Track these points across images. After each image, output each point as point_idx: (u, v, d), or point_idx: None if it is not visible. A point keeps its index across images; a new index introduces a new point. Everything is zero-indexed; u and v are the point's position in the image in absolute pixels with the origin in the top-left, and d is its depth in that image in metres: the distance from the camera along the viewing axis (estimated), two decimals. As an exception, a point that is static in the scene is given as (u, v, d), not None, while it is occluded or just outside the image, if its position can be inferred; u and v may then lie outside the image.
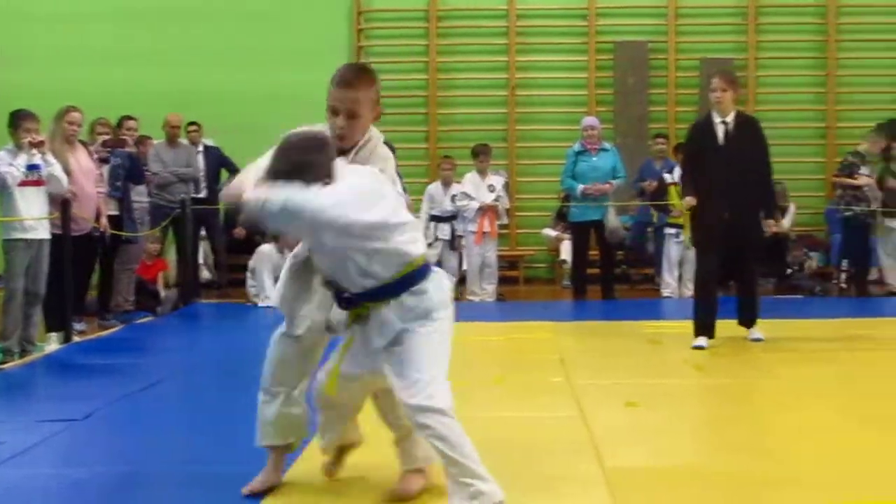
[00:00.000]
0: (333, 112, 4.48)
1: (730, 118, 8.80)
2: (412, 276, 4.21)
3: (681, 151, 11.34)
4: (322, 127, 4.56)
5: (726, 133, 8.78)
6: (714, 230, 8.75)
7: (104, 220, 10.49)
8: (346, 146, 4.45)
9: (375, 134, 4.61)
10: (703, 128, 8.96)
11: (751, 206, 8.82)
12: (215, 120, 14.66)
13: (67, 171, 9.59)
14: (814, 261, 14.42)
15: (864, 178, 13.58)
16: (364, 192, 4.15)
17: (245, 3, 16.23)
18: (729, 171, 8.66)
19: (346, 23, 16.36)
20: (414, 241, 4.25)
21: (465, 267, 13.64)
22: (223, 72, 15.85)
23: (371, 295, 4.20)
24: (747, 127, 8.94)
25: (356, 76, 4.56)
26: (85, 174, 10.10)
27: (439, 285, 4.30)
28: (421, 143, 16.08)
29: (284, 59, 15.93)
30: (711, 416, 6.29)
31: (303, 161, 4.13)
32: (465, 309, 12.21)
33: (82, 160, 10.11)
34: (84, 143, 10.41)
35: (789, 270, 14.11)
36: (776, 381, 7.19)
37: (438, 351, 4.25)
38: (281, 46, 15.97)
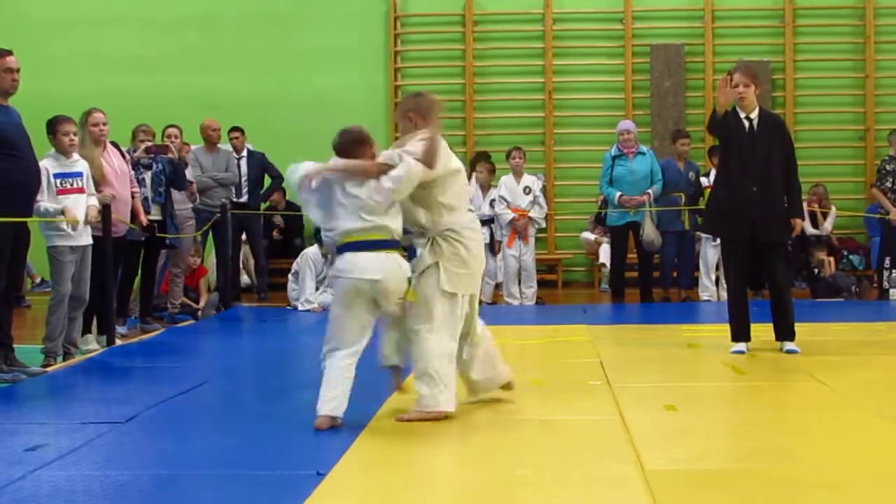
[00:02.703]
0: None
1: (754, 115, 8.60)
2: None
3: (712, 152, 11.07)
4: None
5: (752, 129, 8.58)
6: (742, 233, 8.55)
7: (143, 218, 10.50)
8: None
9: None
10: (733, 119, 8.63)
11: (777, 206, 8.59)
12: (256, 125, 14.75)
13: (101, 174, 9.63)
14: (832, 263, 14.25)
15: None
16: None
17: (284, 8, 16.36)
18: (756, 170, 8.48)
19: (382, 28, 16.43)
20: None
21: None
22: (263, 77, 16.02)
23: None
24: (772, 125, 8.74)
25: None
26: (118, 176, 10.01)
27: None
28: (458, 147, 16.11)
29: (323, 63, 16.07)
30: (749, 419, 6.27)
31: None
32: (504, 312, 12.28)
33: (115, 162, 10.02)
34: (115, 145, 10.34)
35: (817, 271, 13.99)
36: (814, 385, 7.16)
37: None
38: (319, 51, 16.11)
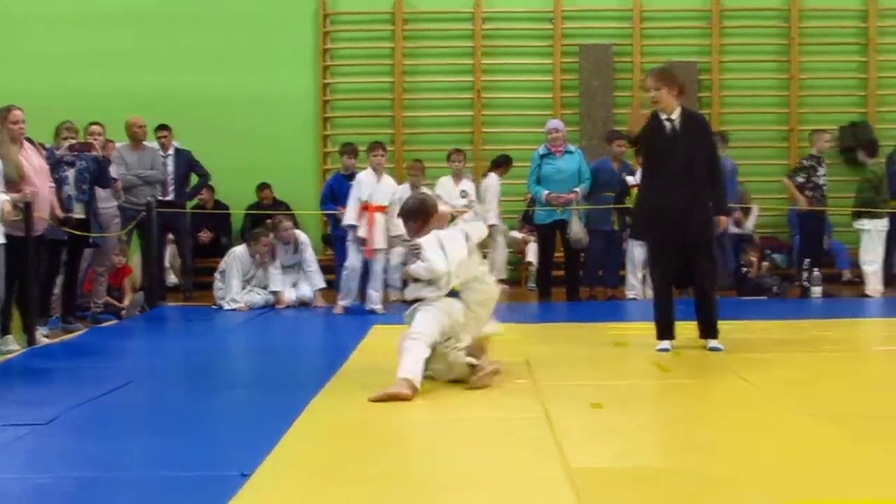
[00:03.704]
0: None
1: (675, 115, 8.58)
2: None
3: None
4: None
5: (673, 130, 8.57)
6: (666, 232, 8.62)
7: (58, 212, 10.33)
8: None
9: None
10: (654, 121, 8.67)
11: (701, 205, 8.61)
12: (183, 123, 14.61)
13: (21, 172, 9.48)
14: (759, 262, 14.46)
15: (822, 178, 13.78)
16: None
17: (212, 5, 16.20)
18: (679, 171, 8.50)
19: (311, 25, 16.35)
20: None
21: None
22: (191, 75, 15.86)
23: None
24: (694, 124, 8.73)
25: None
26: (38, 173, 9.86)
27: None
28: (387, 146, 16.06)
29: (251, 61, 15.95)
30: (675, 416, 6.32)
31: None
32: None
33: (33, 159, 9.86)
34: (31, 141, 10.15)
35: (745, 270, 14.18)
36: (738, 382, 7.24)
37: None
38: (248, 49, 15.99)
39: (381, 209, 12.26)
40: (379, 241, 12.27)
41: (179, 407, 6.86)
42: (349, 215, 12.31)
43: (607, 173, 13.60)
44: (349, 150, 13.53)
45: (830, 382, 7.45)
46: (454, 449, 5.36)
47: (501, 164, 14.35)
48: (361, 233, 12.24)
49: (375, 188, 12.31)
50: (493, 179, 13.94)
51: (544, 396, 6.64)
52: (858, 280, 14.28)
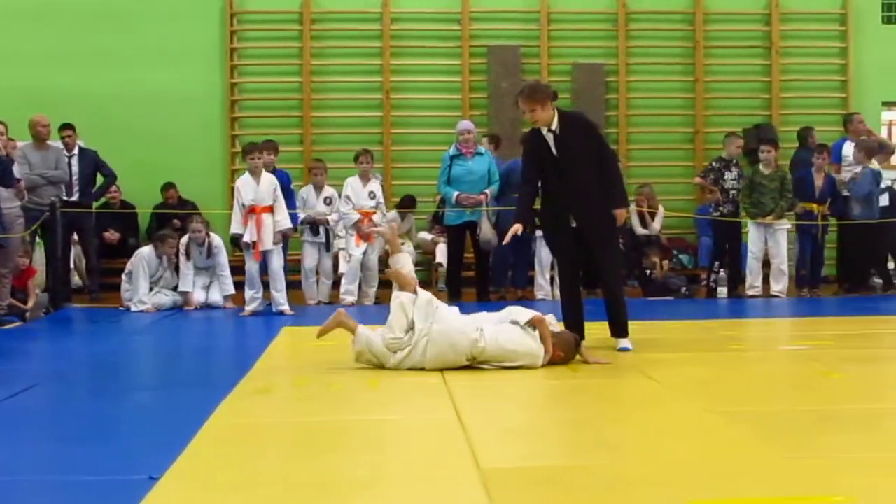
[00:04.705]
0: None
1: (554, 124, 8.50)
2: None
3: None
4: None
5: (556, 140, 8.51)
6: (564, 236, 8.68)
7: None
8: None
9: None
10: (535, 141, 8.67)
11: (596, 206, 8.57)
12: (88, 122, 14.42)
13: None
14: (661, 263, 14.66)
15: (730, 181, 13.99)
16: None
17: (115, 3, 15.99)
18: (568, 177, 8.50)
19: (218, 24, 16.22)
20: None
21: (341, 270, 13.64)
22: (96, 73, 15.65)
23: None
24: (573, 125, 8.63)
25: None
26: None
27: None
28: (296, 145, 16.03)
29: (157, 59, 15.79)
30: (584, 416, 6.37)
31: None
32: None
33: None
34: None
35: (648, 272, 14.37)
36: (646, 382, 7.32)
37: None
38: (154, 47, 15.82)
39: (267, 209, 12.20)
40: (266, 243, 12.20)
41: (86, 410, 6.76)
42: (235, 224, 12.26)
43: (517, 175, 13.62)
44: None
45: (736, 381, 7.56)
46: (364, 450, 5.35)
47: (409, 205, 14.52)
48: (248, 238, 12.18)
49: (257, 191, 12.26)
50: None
51: (454, 397, 6.65)
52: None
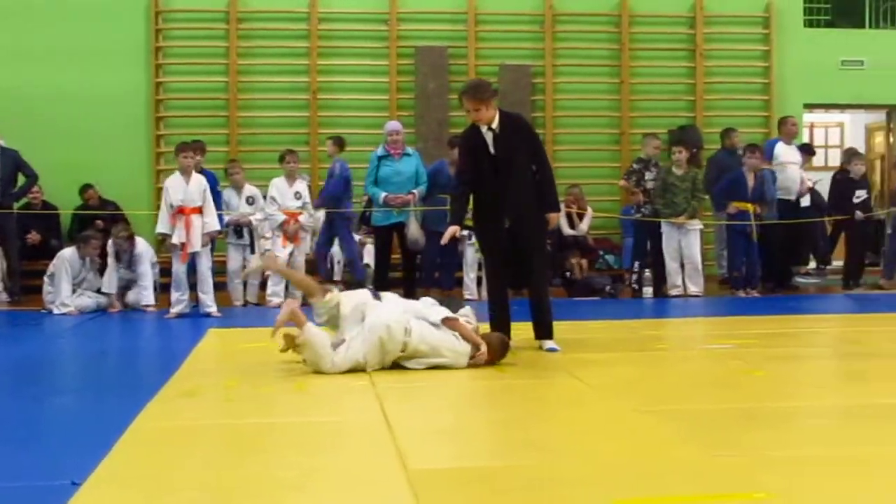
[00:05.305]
0: None
1: (495, 123, 8.52)
2: None
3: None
4: None
5: (495, 138, 8.54)
6: (496, 236, 8.70)
7: None
8: None
9: None
10: (473, 139, 8.67)
11: (530, 207, 8.64)
12: (9, 122, 14.21)
13: None
14: (584, 266, 14.79)
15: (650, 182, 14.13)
16: None
17: (39, 0, 15.74)
18: (505, 176, 8.53)
19: (143, 22, 16.05)
20: None
21: (268, 273, 13.56)
22: (17, 72, 15.44)
23: None
24: (512, 127, 8.66)
25: None
26: None
27: None
28: (221, 146, 15.90)
29: (81, 58, 15.59)
30: (511, 416, 6.39)
31: None
32: (271, 313, 12.14)
33: None
34: None
35: (567, 274, 14.47)
36: (573, 382, 7.35)
37: None
38: (77, 45, 15.62)
39: (196, 211, 12.12)
40: (195, 245, 12.11)
41: (6, 414, 6.64)
42: (161, 223, 12.17)
43: (444, 175, 13.68)
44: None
45: (662, 380, 7.64)
46: (292, 453, 5.32)
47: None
48: (176, 239, 12.08)
49: (186, 191, 12.15)
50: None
51: (382, 398, 6.64)
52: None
